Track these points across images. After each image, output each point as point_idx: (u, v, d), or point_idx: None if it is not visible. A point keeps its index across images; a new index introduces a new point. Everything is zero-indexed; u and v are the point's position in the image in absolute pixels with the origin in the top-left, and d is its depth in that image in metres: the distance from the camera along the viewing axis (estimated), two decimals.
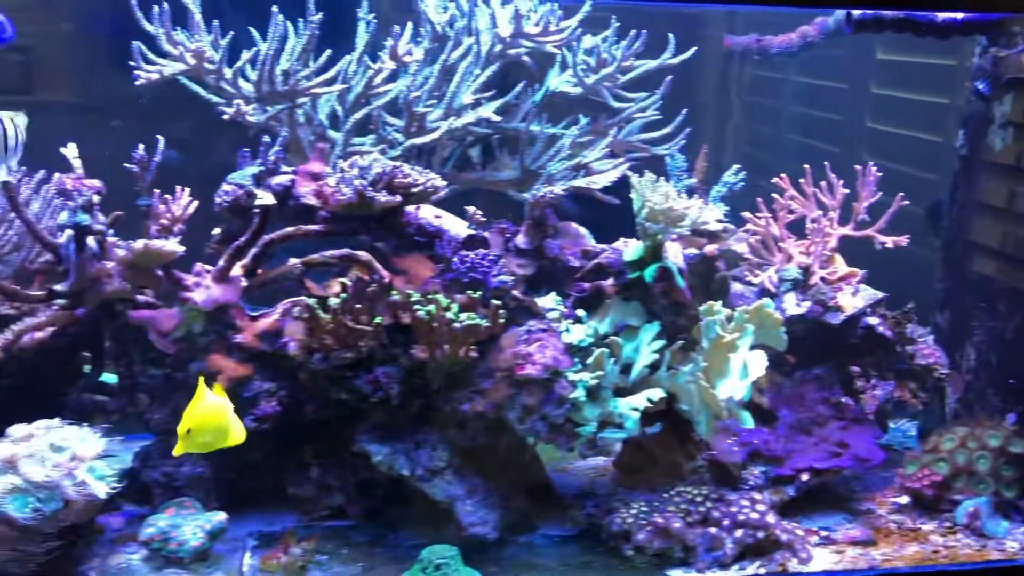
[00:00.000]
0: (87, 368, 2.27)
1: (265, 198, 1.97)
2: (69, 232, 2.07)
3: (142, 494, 2.22)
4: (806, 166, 2.61)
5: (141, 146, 2.16)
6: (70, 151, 2.39)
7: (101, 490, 1.94)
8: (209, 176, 2.31)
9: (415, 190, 2.11)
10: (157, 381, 2.21)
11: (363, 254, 2.16)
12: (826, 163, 2.64)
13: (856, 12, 2.61)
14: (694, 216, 2.15)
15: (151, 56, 2.33)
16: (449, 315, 1.96)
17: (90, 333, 2.20)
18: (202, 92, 2.43)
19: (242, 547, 2.14)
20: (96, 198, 2.01)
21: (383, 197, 2.07)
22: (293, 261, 2.19)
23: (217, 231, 2.26)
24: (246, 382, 2.15)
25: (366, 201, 2.07)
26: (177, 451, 1.81)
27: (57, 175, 2.30)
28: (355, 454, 2.17)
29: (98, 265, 2.00)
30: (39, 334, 2.05)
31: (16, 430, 1.93)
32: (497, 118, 2.39)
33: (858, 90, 3.51)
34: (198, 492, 2.19)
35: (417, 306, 1.96)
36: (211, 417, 1.81)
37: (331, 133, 2.45)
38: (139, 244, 1.98)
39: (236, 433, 1.85)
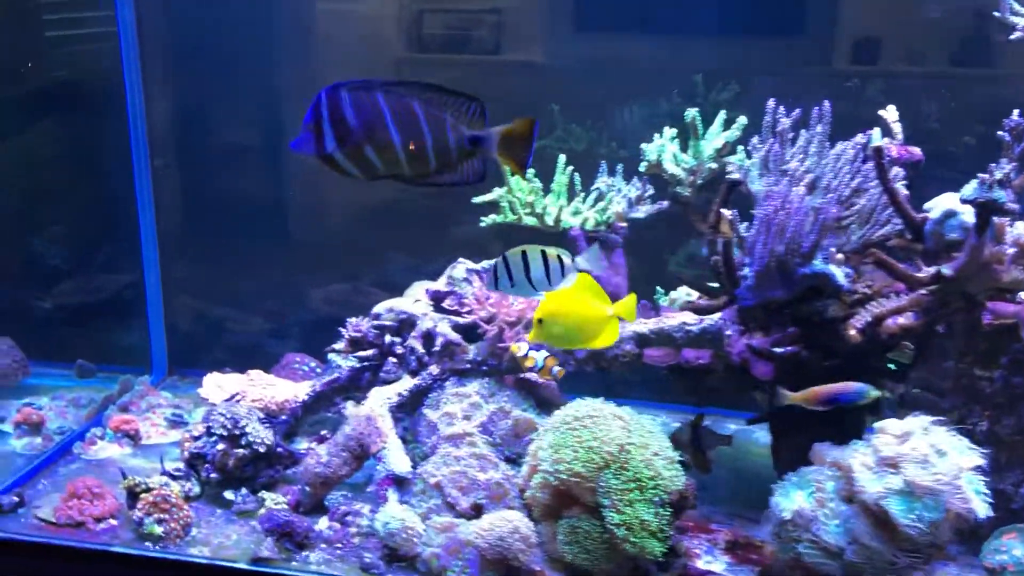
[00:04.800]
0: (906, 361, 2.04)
1: None
2: (944, 208, 1.85)
3: None
4: None
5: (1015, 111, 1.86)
6: (889, 114, 2.19)
7: (982, 509, 1.68)
8: None
9: None
10: (995, 385, 1.92)
11: None
12: None
13: None
14: None
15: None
16: None
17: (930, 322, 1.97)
18: None
19: None
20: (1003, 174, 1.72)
21: None
22: None
23: None
24: None
25: None
26: (530, 337, 1.73)
27: (886, 140, 2.10)
28: None
29: (994, 249, 1.73)
30: (901, 319, 1.84)
31: (892, 426, 1.74)
32: None
33: None
34: None
35: None
36: (567, 308, 1.67)
37: None
38: None
39: (596, 333, 1.69)
